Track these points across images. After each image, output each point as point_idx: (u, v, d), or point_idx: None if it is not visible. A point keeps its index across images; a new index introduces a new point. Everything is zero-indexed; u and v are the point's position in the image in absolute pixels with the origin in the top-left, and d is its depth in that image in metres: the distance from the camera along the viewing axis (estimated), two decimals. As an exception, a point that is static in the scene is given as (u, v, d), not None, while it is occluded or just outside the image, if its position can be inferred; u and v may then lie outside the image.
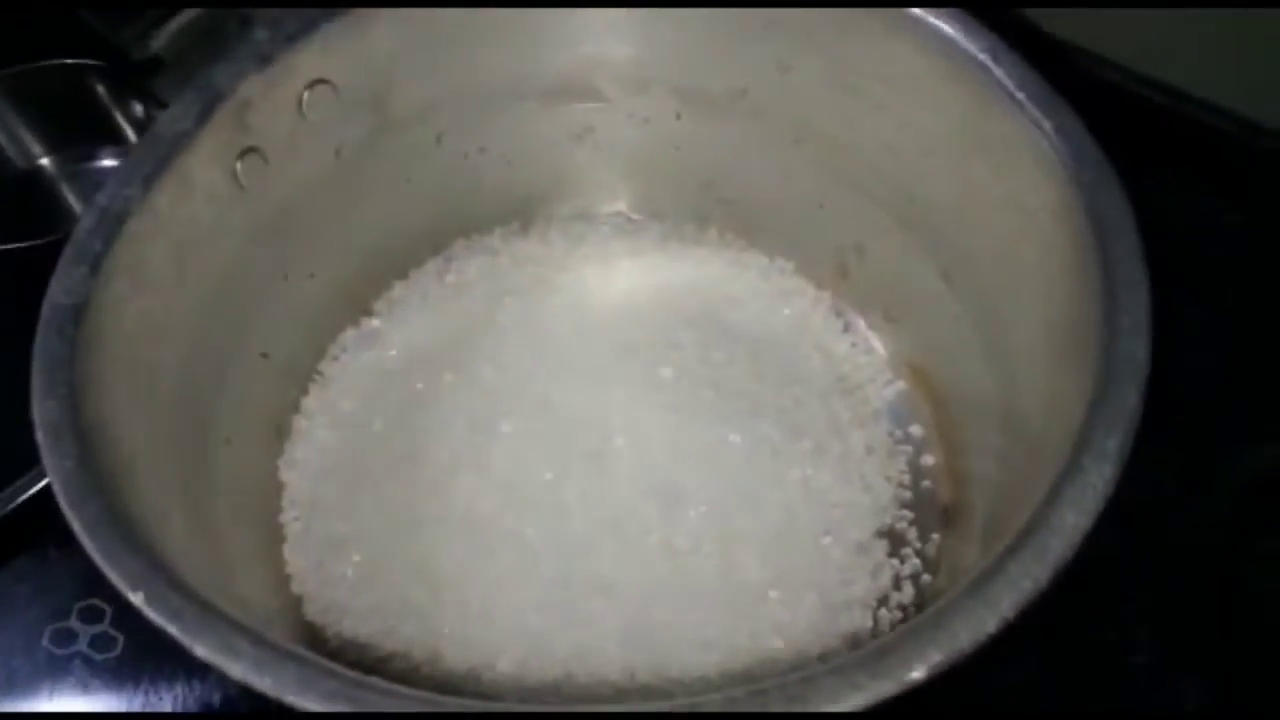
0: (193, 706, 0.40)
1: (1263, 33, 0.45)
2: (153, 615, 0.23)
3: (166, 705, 0.40)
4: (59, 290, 0.28)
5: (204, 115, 0.32)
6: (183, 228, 0.32)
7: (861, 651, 0.22)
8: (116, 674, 0.41)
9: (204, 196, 0.33)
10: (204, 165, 0.32)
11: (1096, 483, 0.24)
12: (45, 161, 0.51)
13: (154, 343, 0.31)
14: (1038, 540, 0.23)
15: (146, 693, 0.41)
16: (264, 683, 0.21)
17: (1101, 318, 0.26)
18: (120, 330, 0.29)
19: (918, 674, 0.21)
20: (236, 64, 0.33)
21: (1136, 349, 0.25)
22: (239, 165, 0.34)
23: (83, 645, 0.42)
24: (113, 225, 0.30)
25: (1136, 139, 0.51)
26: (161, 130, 0.31)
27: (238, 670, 0.22)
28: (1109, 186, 0.28)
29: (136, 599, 0.23)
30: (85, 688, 0.41)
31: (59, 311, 0.28)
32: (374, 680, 0.22)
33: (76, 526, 0.24)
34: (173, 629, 0.22)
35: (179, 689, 0.40)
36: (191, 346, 0.33)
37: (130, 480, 0.27)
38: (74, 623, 0.42)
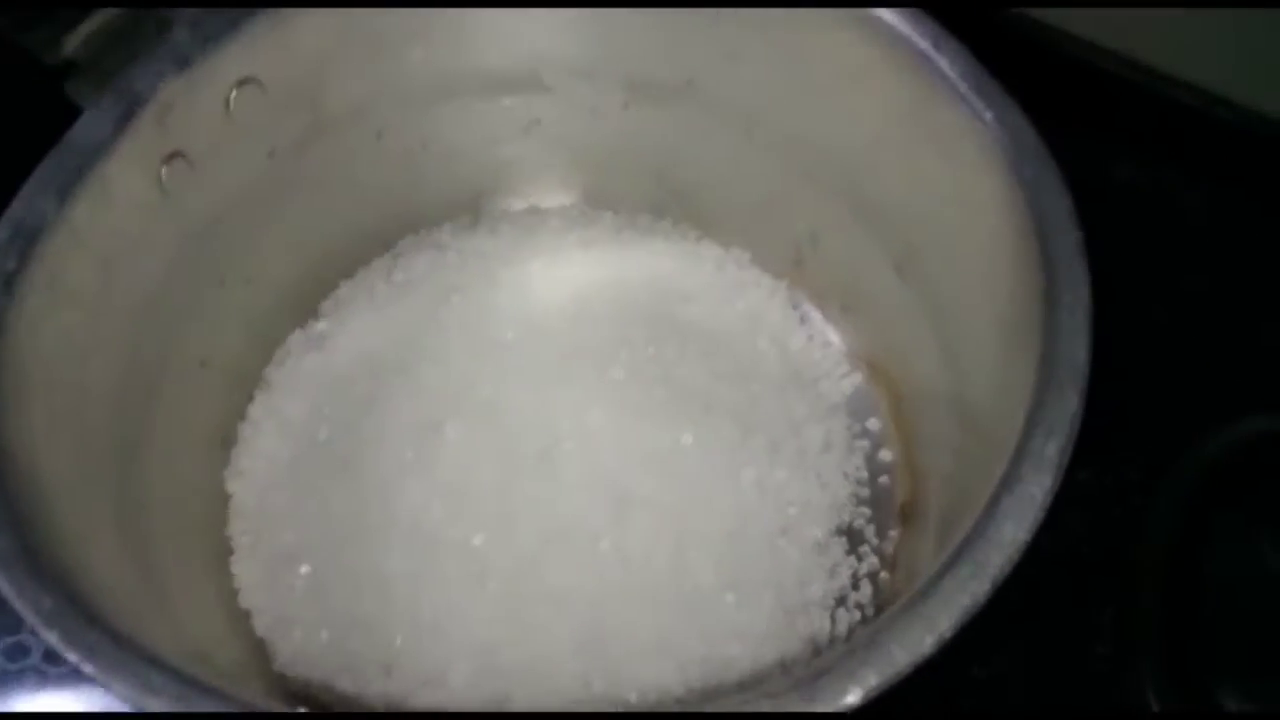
0: None
1: (1231, 10, 0.44)
2: (67, 653, 0.22)
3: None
4: (-35, 313, 0.27)
5: (123, 121, 0.31)
6: (105, 239, 0.31)
7: (796, 676, 0.21)
8: (73, 686, 0.40)
9: (126, 206, 0.32)
10: (125, 173, 0.31)
11: (1035, 493, 0.23)
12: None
13: (77, 361, 0.30)
14: (975, 554, 0.23)
15: (104, 703, 0.40)
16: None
17: (1043, 317, 0.26)
18: (37, 348, 0.28)
19: (853, 698, 0.21)
20: (156, 65, 0.32)
21: (1077, 351, 0.25)
22: (164, 171, 0.33)
23: (36, 659, 0.41)
24: (27, 240, 0.29)
25: (1100, 115, 0.51)
26: (76, 138, 0.30)
27: (155, 706, 0.21)
28: (1050, 182, 0.28)
29: (50, 637, 0.22)
30: (37, 697, 0.40)
31: (-35, 336, 0.27)
32: (299, 714, 0.21)
33: (-13, 561, 0.23)
34: (89, 667, 0.22)
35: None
36: (122, 361, 0.32)
37: (48, 508, 0.26)
38: (26, 636, 0.41)
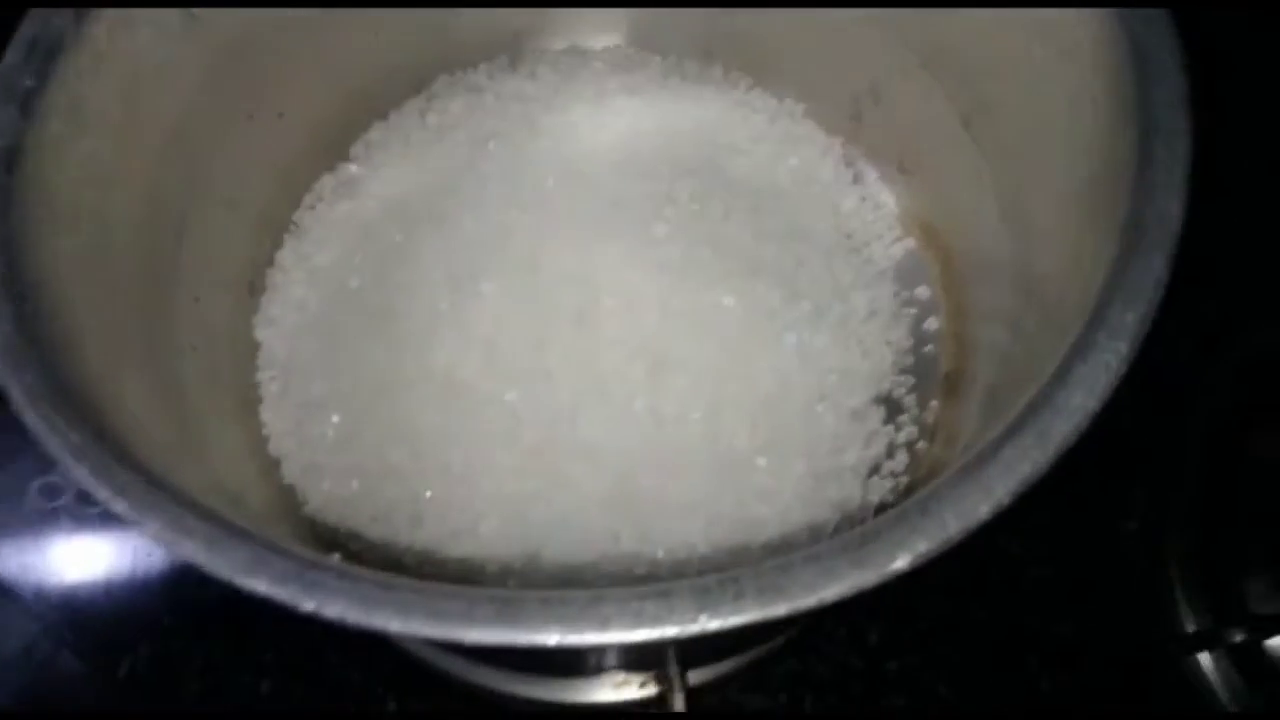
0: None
1: None
2: (97, 491, 0.22)
3: (155, 558, 0.41)
4: (-16, 132, 0.26)
5: (140, -69, 0.29)
6: (127, 62, 0.29)
7: (843, 537, 0.20)
8: (103, 526, 0.41)
9: (150, 28, 0.30)
10: (146, -11, 0.29)
11: (1110, 361, 0.22)
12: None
13: (102, 190, 0.29)
14: (1040, 421, 0.21)
15: (134, 546, 0.41)
16: (214, 563, 0.20)
17: (1135, 172, 0.24)
18: (62, 176, 0.27)
19: (901, 564, 0.20)
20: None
21: (1169, 209, 0.23)
22: (188, -9, 0.31)
23: (69, 499, 0.42)
24: (44, 60, 0.27)
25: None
26: (93, -52, 0.28)
27: (187, 550, 0.21)
28: (1155, 19, 0.25)
29: (79, 473, 0.22)
30: (72, 540, 0.41)
31: (-14, 155, 0.25)
32: (331, 561, 0.21)
33: (14, 395, 0.22)
34: (118, 506, 0.21)
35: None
36: (146, 195, 0.31)
37: (77, 343, 0.25)
38: (59, 477, 0.42)
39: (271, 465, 0.35)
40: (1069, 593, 0.41)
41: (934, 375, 0.37)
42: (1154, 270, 0.22)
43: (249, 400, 0.36)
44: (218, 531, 0.21)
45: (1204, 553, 0.41)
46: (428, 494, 0.34)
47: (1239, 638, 0.38)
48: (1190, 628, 0.40)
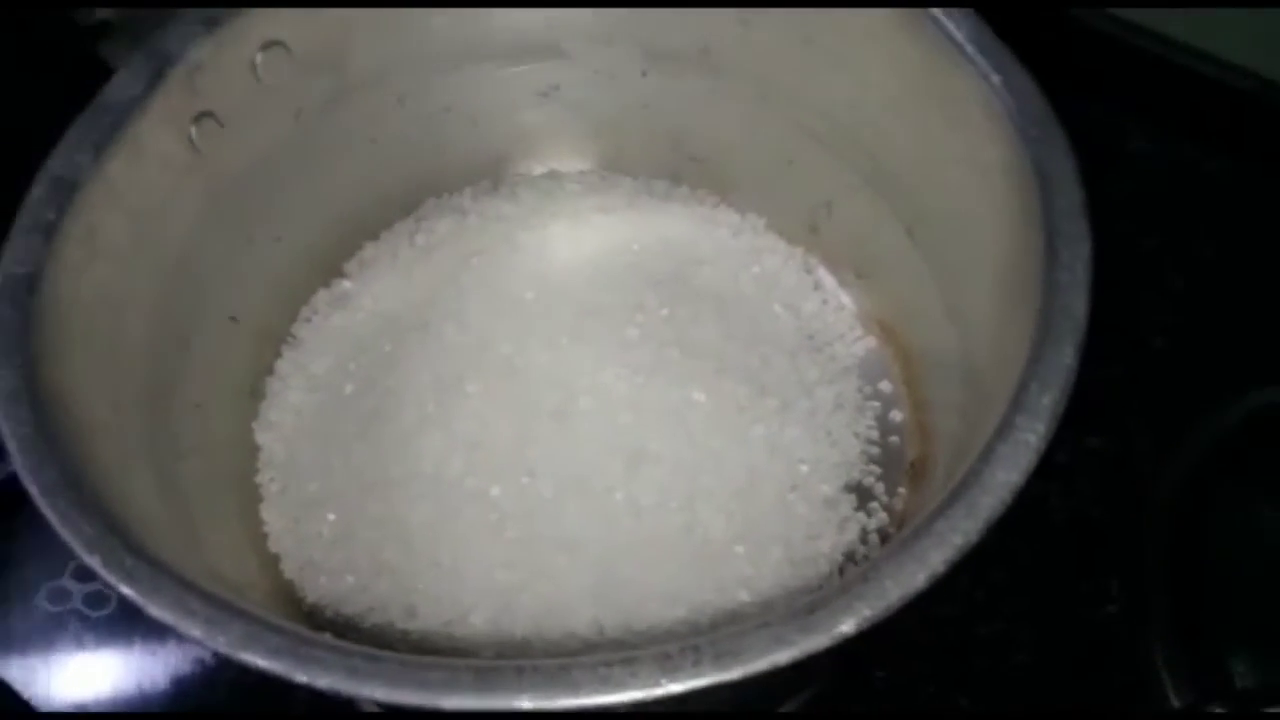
0: (185, 663, 0.42)
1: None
2: (107, 576, 0.24)
3: (160, 660, 0.42)
4: (11, 260, 0.28)
5: (154, 80, 0.32)
6: (138, 195, 0.33)
7: (792, 607, 0.22)
8: (110, 630, 0.42)
9: (158, 163, 0.33)
10: (156, 131, 0.32)
11: (1030, 439, 0.24)
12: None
13: (113, 311, 0.32)
14: (969, 496, 0.23)
15: (140, 649, 0.42)
16: (214, 639, 0.22)
17: (1044, 273, 0.27)
18: (77, 299, 0.30)
19: (847, 628, 0.22)
20: (185, 26, 0.33)
21: (1075, 305, 0.26)
22: (194, 130, 0.34)
23: (77, 603, 0.43)
24: (65, 194, 0.30)
25: (1120, 85, 0.52)
26: (111, 96, 0.31)
27: (190, 627, 0.23)
28: (1053, 142, 0.28)
29: (92, 561, 0.24)
30: (80, 644, 0.42)
31: (12, 281, 0.28)
32: (323, 637, 0.23)
33: (33, 491, 0.25)
34: (127, 589, 0.23)
35: (171, 644, 0.42)
36: (154, 313, 0.34)
37: (90, 445, 0.28)
38: (68, 581, 0.43)
39: (271, 561, 0.37)
40: (1053, 677, 0.42)
41: (900, 464, 0.40)
42: (1064, 358, 0.25)
43: (250, 499, 0.38)
44: (217, 611, 0.23)
45: (1186, 631, 0.42)
46: (419, 587, 0.35)
47: (1223, 712, 0.39)
48: (1175, 704, 0.40)
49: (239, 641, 0.22)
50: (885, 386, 0.41)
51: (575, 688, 0.21)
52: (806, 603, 0.22)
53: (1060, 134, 0.28)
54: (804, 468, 0.38)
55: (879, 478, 0.39)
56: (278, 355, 0.42)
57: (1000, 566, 0.42)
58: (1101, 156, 0.32)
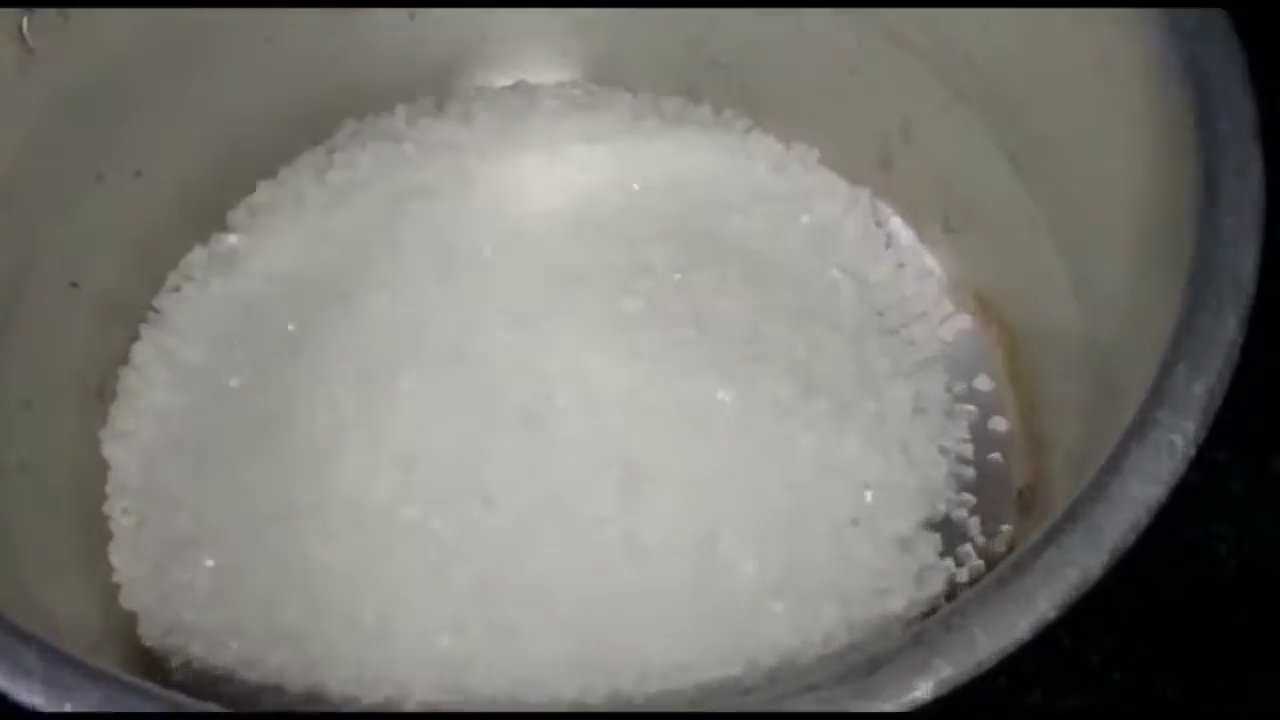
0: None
1: None
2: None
3: None
4: None
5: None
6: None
7: (847, 662, 0.23)
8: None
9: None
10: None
11: (1175, 440, 0.25)
12: None
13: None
14: (1089, 518, 0.24)
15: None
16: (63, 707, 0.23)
17: (1198, 219, 0.27)
18: None
19: (921, 694, 0.23)
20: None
21: (1240, 261, 0.26)
22: (25, 22, 0.35)
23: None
24: None
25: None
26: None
27: (26, 693, 0.24)
28: (1216, 36, 0.29)
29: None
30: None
31: None
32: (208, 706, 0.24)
33: None
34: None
35: None
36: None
37: None
38: None
39: (125, 622, 0.38)
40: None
41: (1005, 491, 0.40)
42: (1226, 331, 0.26)
43: (95, 538, 0.39)
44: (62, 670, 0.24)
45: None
46: (332, 658, 0.36)
47: None
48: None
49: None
50: (983, 384, 0.43)
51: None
52: (865, 659, 0.23)
53: (1226, 25, 0.29)
54: (868, 494, 0.39)
55: (973, 509, 0.40)
56: (135, 337, 0.43)
57: (1148, 638, 0.43)
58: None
